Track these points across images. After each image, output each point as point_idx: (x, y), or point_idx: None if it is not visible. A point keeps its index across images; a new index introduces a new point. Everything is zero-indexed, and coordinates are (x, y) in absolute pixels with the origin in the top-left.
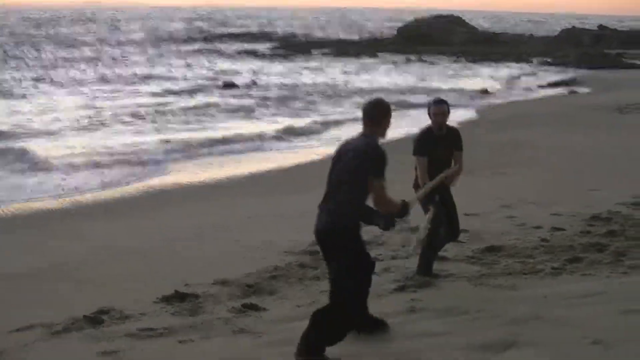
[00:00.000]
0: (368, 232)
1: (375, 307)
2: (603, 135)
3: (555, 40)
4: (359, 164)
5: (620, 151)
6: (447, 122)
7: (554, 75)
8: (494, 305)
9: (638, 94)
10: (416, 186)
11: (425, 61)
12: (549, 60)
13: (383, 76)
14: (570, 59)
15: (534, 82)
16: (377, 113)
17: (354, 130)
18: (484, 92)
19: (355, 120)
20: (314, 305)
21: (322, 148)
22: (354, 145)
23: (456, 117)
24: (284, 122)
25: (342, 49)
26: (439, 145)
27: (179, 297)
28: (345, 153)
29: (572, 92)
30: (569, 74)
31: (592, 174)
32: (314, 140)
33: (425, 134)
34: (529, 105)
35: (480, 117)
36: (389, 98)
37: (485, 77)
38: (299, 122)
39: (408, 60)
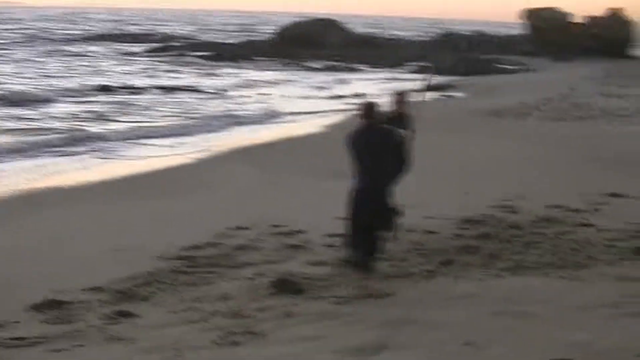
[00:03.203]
0: (244, 237)
1: (248, 312)
2: (476, 139)
3: (432, 45)
4: None
5: (493, 155)
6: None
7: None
8: (367, 308)
9: (509, 99)
10: None
11: (303, 65)
12: (424, 65)
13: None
14: (446, 64)
15: (409, 86)
16: None
17: None
18: (359, 95)
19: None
20: (188, 312)
21: (191, 153)
22: None
23: (331, 120)
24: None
25: (219, 52)
26: (395, 124)
27: (50, 304)
28: None
29: (448, 97)
30: (446, 78)
31: (465, 176)
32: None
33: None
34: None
35: (353, 122)
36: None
37: (360, 80)
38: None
39: (286, 64)
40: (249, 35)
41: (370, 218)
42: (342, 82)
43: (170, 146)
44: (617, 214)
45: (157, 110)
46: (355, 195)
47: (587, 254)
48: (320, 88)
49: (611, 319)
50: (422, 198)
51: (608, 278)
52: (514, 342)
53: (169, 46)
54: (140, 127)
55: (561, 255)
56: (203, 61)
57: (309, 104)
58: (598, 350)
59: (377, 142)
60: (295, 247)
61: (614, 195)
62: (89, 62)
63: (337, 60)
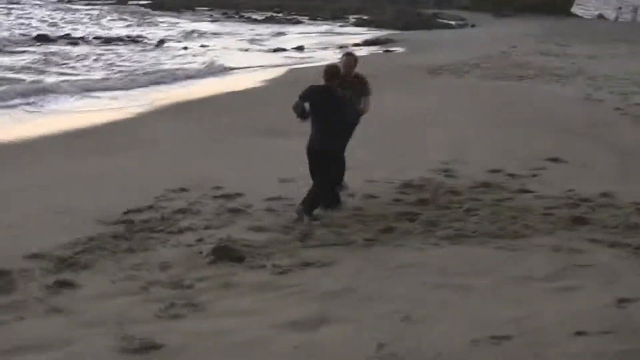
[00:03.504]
0: (184, 199)
1: (188, 282)
2: (415, 97)
3: None
4: None
5: (432, 114)
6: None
7: (369, 33)
8: (306, 279)
9: (449, 55)
10: None
11: (244, 17)
12: (365, 17)
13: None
14: (386, 17)
15: (349, 40)
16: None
17: None
18: (299, 49)
19: None
20: (128, 281)
21: (130, 107)
22: None
23: (271, 75)
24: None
25: (160, 1)
26: (347, 88)
27: None
28: None
29: (387, 52)
30: (385, 32)
31: (404, 137)
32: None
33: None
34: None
35: (293, 76)
36: None
37: (300, 33)
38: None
39: (227, 15)
40: None
41: (319, 176)
42: (282, 35)
43: (110, 100)
44: (555, 180)
45: (95, 62)
46: (307, 153)
47: (524, 222)
48: (261, 40)
49: (547, 292)
50: (362, 160)
51: (544, 249)
52: (451, 317)
53: None
54: (77, 79)
55: (499, 223)
56: (144, 9)
57: (249, 57)
58: (535, 326)
59: (333, 105)
60: (235, 211)
61: (552, 159)
62: (24, 10)
63: (277, 12)
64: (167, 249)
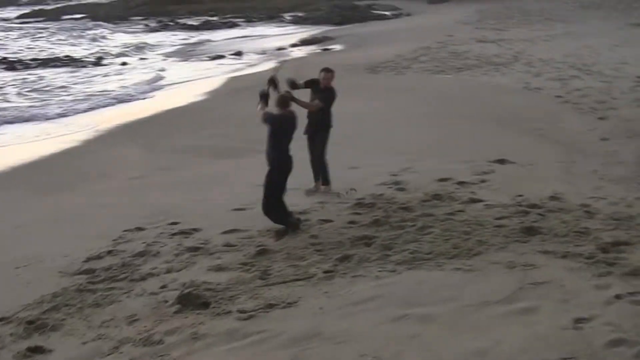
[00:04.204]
0: (142, 239)
1: (157, 336)
2: (357, 101)
3: None
4: None
5: (374, 118)
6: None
7: (306, 31)
8: (272, 324)
9: (387, 50)
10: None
11: (179, 24)
12: (301, 14)
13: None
14: (322, 13)
15: (286, 41)
16: None
17: None
18: (238, 54)
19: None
20: (98, 341)
21: (73, 134)
22: None
23: (208, 86)
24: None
25: (94, 14)
26: (320, 94)
27: None
28: None
29: (326, 50)
30: (321, 29)
31: (349, 147)
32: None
33: (315, 82)
34: (281, 69)
35: (234, 85)
36: None
37: (235, 37)
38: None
39: (162, 24)
40: None
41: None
42: (219, 40)
43: (50, 127)
44: (504, 184)
45: (32, 88)
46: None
47: (477, 237)
48: (198, 48)
49: (506, 317)
50: (308, 177)
51: (499, 267)
52: (417, 354)
53: (41, 10)
54: (14, 107)
55: (454, 240)
56: (79, 24)
57: (189, 68)
58: (498, 357)
59: (293, 128)
60: (194, 249)
61: (499, 161)
62: None
63: (212, 16)
64: (132, 300)
